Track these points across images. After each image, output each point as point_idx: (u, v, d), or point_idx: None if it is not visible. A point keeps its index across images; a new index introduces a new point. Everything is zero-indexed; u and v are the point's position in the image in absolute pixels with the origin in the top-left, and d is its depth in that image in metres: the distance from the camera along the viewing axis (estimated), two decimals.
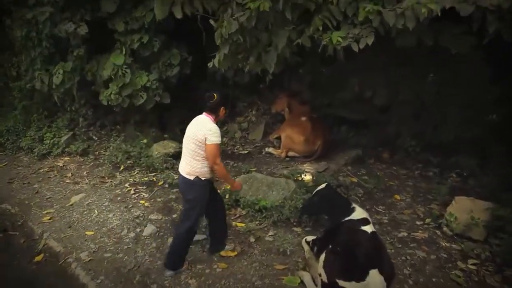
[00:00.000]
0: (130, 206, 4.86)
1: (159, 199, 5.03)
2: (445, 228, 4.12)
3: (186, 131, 3.46)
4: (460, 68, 6.48)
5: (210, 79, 7.86)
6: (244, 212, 4.61)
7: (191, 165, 3.39)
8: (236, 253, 3.75)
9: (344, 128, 7.23)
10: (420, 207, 4.68)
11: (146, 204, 4.91)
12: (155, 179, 5.66)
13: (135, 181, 5.64)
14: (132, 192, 5.27)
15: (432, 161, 6.12)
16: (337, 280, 2.76)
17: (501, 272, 3.45)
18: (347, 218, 3.34)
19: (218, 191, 4.00)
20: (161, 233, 4.21)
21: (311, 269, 3.31)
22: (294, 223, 4.24)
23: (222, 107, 3.41)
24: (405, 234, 4.06)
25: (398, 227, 4.20)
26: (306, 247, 3.65)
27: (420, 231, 4.12)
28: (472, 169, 5.84)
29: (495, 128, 6.04)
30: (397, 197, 4.93)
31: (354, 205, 3.47)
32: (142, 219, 4.52)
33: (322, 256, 2.97)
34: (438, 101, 6.51)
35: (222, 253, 3.76)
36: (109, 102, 6.41)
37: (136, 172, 6.02)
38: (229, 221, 4.47)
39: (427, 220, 4.34)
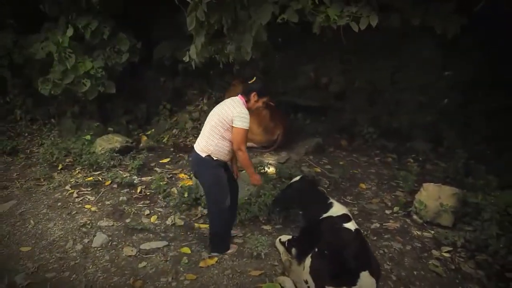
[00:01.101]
0: (74, 212, 4.24)
1: (108, 202, 4.46)
2: (415, 216, 4.06)
3: (215, 107, 3.29)
4: (412, 54, 6.56)
5: (158, 67, 7.25)
6: (205, 212, 4.21)
7: (207, 141, 3.21)
8: (216, 259, 3.35)
9: (300, 115, 7.05)
10: (387, 195, 4.61)
11: (93, 208, 4.31)
12: (101, 179, 5.04)
13: (78, 182, 4.98)
14: (74, 195, 4.62)
15: (388, 146, 6.15)
16: (327, 287, 2.50)
17: (473, 258, 3.43)
18: (325, 215, 3.11)
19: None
20: (114, 242, 3.68)
21: (290, 274, 3.03)
22: (263, 221, 3.95)
23: (254, 93, 3.20)
24: (377, 225, 3.94)
25: (369, 218, 4.08)
26: (281, 248, 3.37)
27: (391, 221, 4.03)
28: (426, 153, 5.95)
29: (447, 113, 6.19)
30: (363, 186, 4.83)
31: (331, 200, 3.26)
32: (89, 227, 3.94)
33: (307, 261, 2.70)
34: (392, 88, 6.55)
35: (202, 263, 3.35)
36: (52, 92, 5.62)
37: (77, 172, 5.35)
38: (189, 222, 4.09)
39: (396, 209, 4.26)
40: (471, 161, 5.12)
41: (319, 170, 5.15)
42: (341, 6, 2.96)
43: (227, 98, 6.37)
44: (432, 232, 3.84)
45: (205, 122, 3.31)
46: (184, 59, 3.89)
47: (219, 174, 3.27)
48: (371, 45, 6.80)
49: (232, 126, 3.13)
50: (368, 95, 6.74)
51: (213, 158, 3.22)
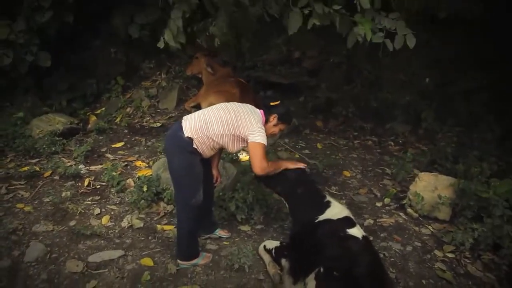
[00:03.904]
0: (1, 214, 3.38)
1: (47, 199, 3.62)
2: (409, 210, 3.63)
3: (233, 104, 2.77)
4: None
5: (106, 36, 6.25)
6: (170, 209, 3.54)
7: (202, 126, 2.63)
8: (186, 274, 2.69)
9: (271, 93, 6.40)
10: (374, 184, 4.16)
11: (26, 208, 3.47)
12: (38, 169, 4.15)
13: (9, 173, 4.07)
14: (3, 191, 3.73)
15: (366, 128, 5.71)
16: None
17: (479, 258, 3.07)
18: (322, 218, 2.55)
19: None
20: (54, 255, 2.91)
21: None
22: (240, 220, 3.33)
23: (275, 115, 2.77)
24: (371, 221, 3.46)
25: (361, 213, 3.59)
26: (266, 258, 2.78)
27: (384, 216, 3.57)
28: (406, 136, 5.59)
29: (427, 92, 5.84)
30: (347, 173, 4.34)
31: (328, 197, 2.69)
32: (21, 234, 3.12)
33: (311, 283, 2.13)
34: (371, 65, 6.08)
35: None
36: None
37: (9, 160, 4.42)
38: (151, 223, 3.39)
39: (386, 200, 3.82)
40: (452, 144, 4.80)
41: (298, 156, 4.59)
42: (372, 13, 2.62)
43: (189, 73, 5.80)
44: (430, 227, 3.44)
45: (212, 107, 2.79)
46: (158, 45, 3.20)
47: (192, 162, 2.67)
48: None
49: (246, 141, 2.67)
50: (345, 72, 6.24)
51: (192, 144, 2.62)
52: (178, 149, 2.65)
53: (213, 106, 2.82)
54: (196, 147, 2.63)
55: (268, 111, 2.79)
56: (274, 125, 2.81)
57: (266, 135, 2.76)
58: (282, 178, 2.84)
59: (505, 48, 5.48)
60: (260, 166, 2.63)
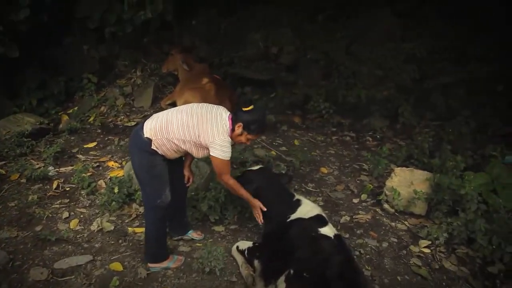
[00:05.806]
0: None
1: (12, 204, 3.47)
2: (385, 205, 3.61)
3: (197, 106, 2.60)
4: (369, 24, 6.09)
5: (79, 31, 6.04)
6: (142, 210, 3.43)
7: (162, 127, 2.51)
8: (157, 278, 2.59)
9: (248, 89, 6.31)
10: (351, 180, 4.12)
11: None
12: (4, 172, 3.98)
13: None
14: None
15: (344, 123, 5.69)
16: None
17: (454, 252, 3.07)
18: (293, 217, 2.49)
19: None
20: (18, 262, 2.77)
21: None
22: (213, 221, 3.24)
23: (240, 124, 2.53)
24: (347, 218, 3.43)
25: (337, 210, 3.56)
26: (239, 259, 2.71)
27: (361, 212, 3.54)
28: (384, 131, 5.59)
29: (404, 87, 5.85)
30: (324, 170, 4.29)
31: (298, 196, 2.64)
32: None
33: (281, 286, 2.06)
34: (348, 60, 6.05)
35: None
36: None
37: None
38: (121, 226, 3.28)
39: (363, 196, 3.79)
40: (429, 139, 4.81)
41: (274, 153, 4.52)
42: None
43: (165, 70, 5.66)
44: (406, 223, 3.43)
45: (178, 108, 2.66)
46: None
47: (153, 162, 2.56)
48: (326, 12, 6.25)
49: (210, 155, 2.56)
50: (322, 68, 6.19)
51: (150, 145, 2.51)
52: (138, 148, 2.55)
53: (180, 107, 2.69)
54: (155, 148, 2.52)
55: (235, 118, 2.57)
56: (239, 135, 2.58)
57: (234, 143, 2.62)
58: (248, 183, 2.76)
59: (482, 43, 5.56)
60: (221, 178, 2.62)
